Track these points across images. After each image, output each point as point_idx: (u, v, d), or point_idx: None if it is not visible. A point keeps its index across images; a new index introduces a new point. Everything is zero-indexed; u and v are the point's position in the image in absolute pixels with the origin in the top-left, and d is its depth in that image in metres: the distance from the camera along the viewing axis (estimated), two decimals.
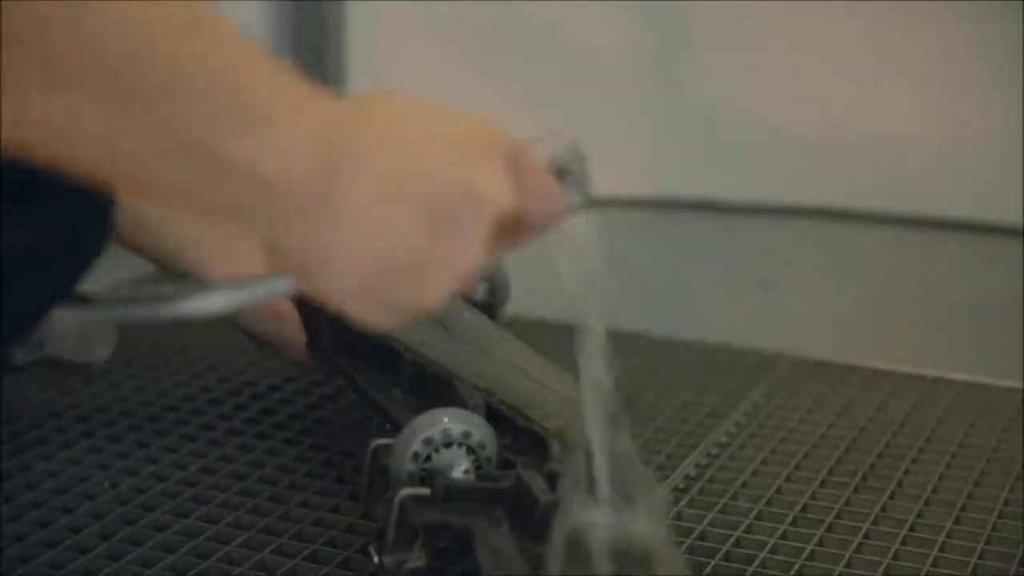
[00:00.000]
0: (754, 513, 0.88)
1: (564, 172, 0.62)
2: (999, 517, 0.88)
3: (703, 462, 0.96)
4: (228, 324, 0.94)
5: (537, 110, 1.69)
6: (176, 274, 0.89)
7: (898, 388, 1.10)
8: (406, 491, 0.76)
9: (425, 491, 0.76)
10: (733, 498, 0.90)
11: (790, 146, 1.65)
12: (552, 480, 0.74)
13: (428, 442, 0.79)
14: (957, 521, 0.88)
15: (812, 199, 1.64)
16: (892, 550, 0.84)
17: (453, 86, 1.68)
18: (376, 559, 0.77)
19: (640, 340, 1.17)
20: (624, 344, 1.15)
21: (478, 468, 0.79)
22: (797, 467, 0.95)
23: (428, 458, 0.79)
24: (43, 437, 0.96)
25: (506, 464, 0.80)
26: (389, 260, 0.56)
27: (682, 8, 1.67)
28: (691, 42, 1.69)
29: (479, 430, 0.80)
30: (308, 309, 0.94)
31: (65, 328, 1.03)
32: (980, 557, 0.83)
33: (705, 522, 0.87)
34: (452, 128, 0.58)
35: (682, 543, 0.84)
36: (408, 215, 0.56)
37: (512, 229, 0.60)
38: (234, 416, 1.01)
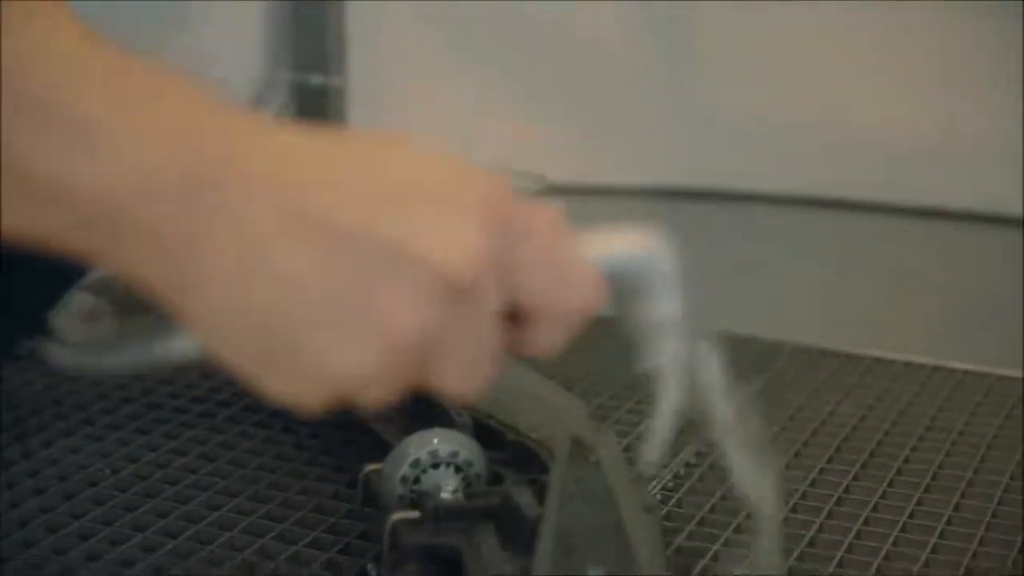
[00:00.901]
0: None
1: (634, 277, 0.53)
2: (999, 504, 0.88)
3: (703, 450, 0.96)
4: None
5: (541, 100, 1.69)
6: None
7: (898, 377, 1.10)
8: (396, 516, 0.77)
9: (415, 514, 0.77)
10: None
11: (791, 136, 1.65)
12: (542, 491, 0.76)
13: (415, 464, 0.80)
14: (957, 508, 0.88)
15: (813, 189, 1.64)
16: (892, 536, 0.84)
17: (455, 79, 1.69)
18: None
19: None
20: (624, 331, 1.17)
21: (467, 486, 0.80)
22: (797, 454, 0.96)
23: (417, 480, 0.80)
24: (44, 424, 0.96)
25: (496, 478, 0.81)
26: (273, 310, 0.46)
27: None
28: (694, 32, 1.69)
29: (466, 449, 0.81)
30: None
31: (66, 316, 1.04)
32: (980, 544, 0.84)
33: (706, 508, 0.87)
34: (416, 174, 0.48)
35: (682, 530, 0.84)
36: (304, 258, 0.46)
37: (524, 319, 0.50)
38: (234, 403, 1.01)
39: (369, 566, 0.79)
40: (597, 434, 0.81)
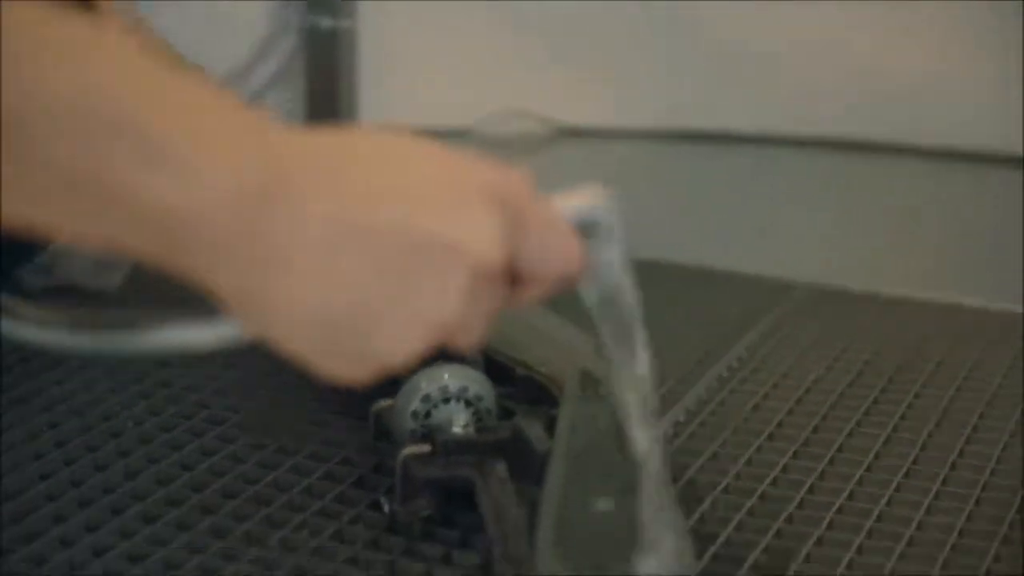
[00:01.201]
0: (765, 434, 0.89)
1: (592, 227, 0.58)
2: (1011, 435, 0.89)
3: (714, 386, 0.96)
4: None
5: (551, 43, 1.68)
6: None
7: (910, 314, 1.10)
8: (408, 450, 0.78)
9: (426, 448, 0.78)
10: (745, 420, 0.91)
11: (801, 78, 1.64)
12: (551, 425, 0.77)
13: (426, 399, 0.81)
14: (969, 440, 0.88)
15: (825, 130, 1.63)
16: (903, 468, 0.84)
17: (465, 24, 1.68)
18: (387, 508, 0.79)
19: (654, 267, 1.17)
20: (638, 271, 1.17)
21: (478, 420, 0.81)
22: (808, 390, 0.96)
23: (428, 415, 0.81)
24: (57, 361, 0.96)
25: (507, 413, 0.82)
26: (339, 310, 0.52)
27: None
28: None
29: (476, 384, 0.81)
30: None
31: (77, 253, 1.04)
32: (991, 475, 0.84)
33: (716, 444, 0.87)
34: (431, 169, 0.54)
35: (692, 466, 0.84)
36: (362, 262, 0.51)
37: (518, 281, 0.56)
38: (251, 351, 1.01)
39: (382, 499, 0.80)
40: (606, 368, 0.81)
